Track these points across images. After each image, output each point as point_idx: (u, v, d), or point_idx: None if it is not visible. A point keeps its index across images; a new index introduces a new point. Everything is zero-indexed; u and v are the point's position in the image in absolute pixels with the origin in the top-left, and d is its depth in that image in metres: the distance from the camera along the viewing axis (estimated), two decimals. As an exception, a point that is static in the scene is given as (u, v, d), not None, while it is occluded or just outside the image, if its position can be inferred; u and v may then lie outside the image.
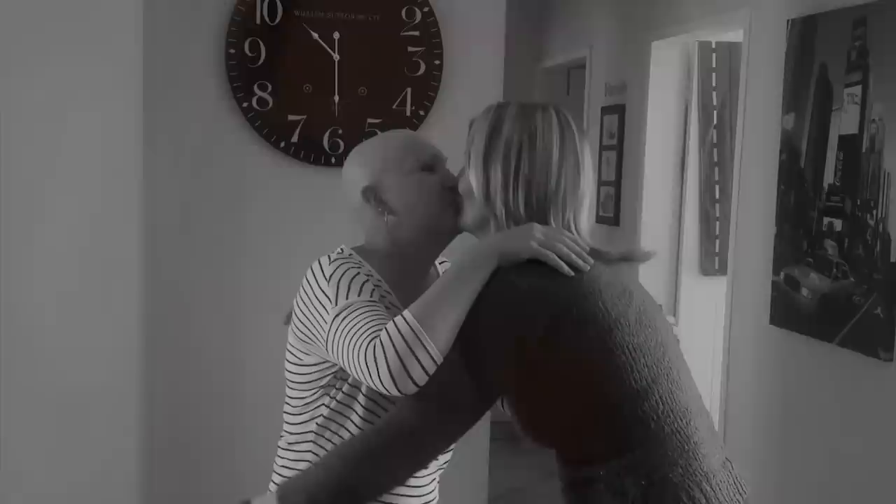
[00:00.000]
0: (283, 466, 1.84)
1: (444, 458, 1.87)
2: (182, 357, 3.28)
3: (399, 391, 1.53)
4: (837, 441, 2.99)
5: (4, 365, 2.81)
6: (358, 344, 1.56)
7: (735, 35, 4.08)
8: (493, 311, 1.56)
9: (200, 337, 3.30)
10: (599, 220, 5.21)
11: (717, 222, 4.46)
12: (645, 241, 4.62)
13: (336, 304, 1.64)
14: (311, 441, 1.79)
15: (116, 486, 2.97)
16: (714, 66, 4.43)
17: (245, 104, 3.23)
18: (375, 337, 1.54)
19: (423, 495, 1.84)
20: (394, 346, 1.52)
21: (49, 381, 2.88)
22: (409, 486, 1.80)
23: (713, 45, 4.42)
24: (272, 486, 1.84)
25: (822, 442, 3.07)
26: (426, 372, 1.52)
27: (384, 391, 1.55)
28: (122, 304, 2.96)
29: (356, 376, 1.60)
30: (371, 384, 1.56)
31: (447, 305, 1.55)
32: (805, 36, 3.15)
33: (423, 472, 1.82)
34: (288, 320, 1.89)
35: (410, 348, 1.51)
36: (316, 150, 3.29)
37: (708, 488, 1.57)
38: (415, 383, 1.52)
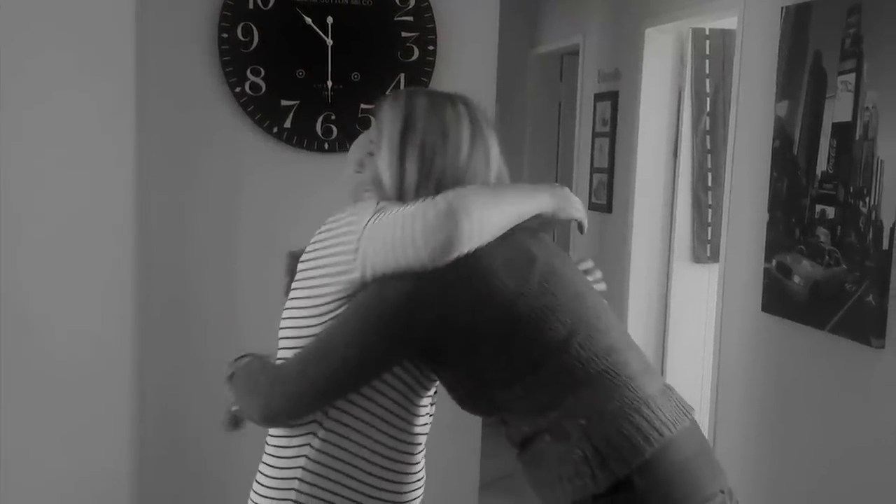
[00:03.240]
0: (274, 455, 1.78)
1: (427, 429, 1.87)
2: (176, 341, 3.28)
3: (431, 256, 1.56)
4: (829, 428, 3.00)
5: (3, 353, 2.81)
6: (395, 218, 1.59)
7: (729, 22, 4.07)
8: (413, 293, 1.61)
9: (195, 321, 3.29)
10: (592, 207, 5.21)
11: (710, 210, 4.46)
12: (637, 229, 4.63)
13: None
14: (314, 422, 1.74)
15: (110, 475, 2.97)
16: (708, 53, 4.42)
17: (238, 89, 3.22)
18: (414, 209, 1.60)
19: (418, 472, 1.83)
20: (438, 206, 1.57)
21: (43, 368, 2.88)
22: (406, 464, 1.78)
23: (707, 33, 4.41)
24: (257, 484, 1.79)
25: (813, 429, 3.08)
26: (457, 242, 1.56)
27: (416, 260, 1.57)
28: (116, 290, 2.95)
29: (386, 261, 1.60)
30: (402, 254, 1.58)
31: (496, 206, 1.63)
32: (799, 23, 3.15)
33: (418, 448, 1.81)
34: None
35: (454, 211, 1.56)
36: (309, 135, 3.29)
37: (648, 412, 1.63)
38: (449, 247, 1.56)
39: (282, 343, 1.79)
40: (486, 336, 1.64)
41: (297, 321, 1.74)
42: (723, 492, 1.67)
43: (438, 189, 1.69)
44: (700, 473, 1.65)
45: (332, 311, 1.68)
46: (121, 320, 2.97)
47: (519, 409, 1.68)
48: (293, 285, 1.76)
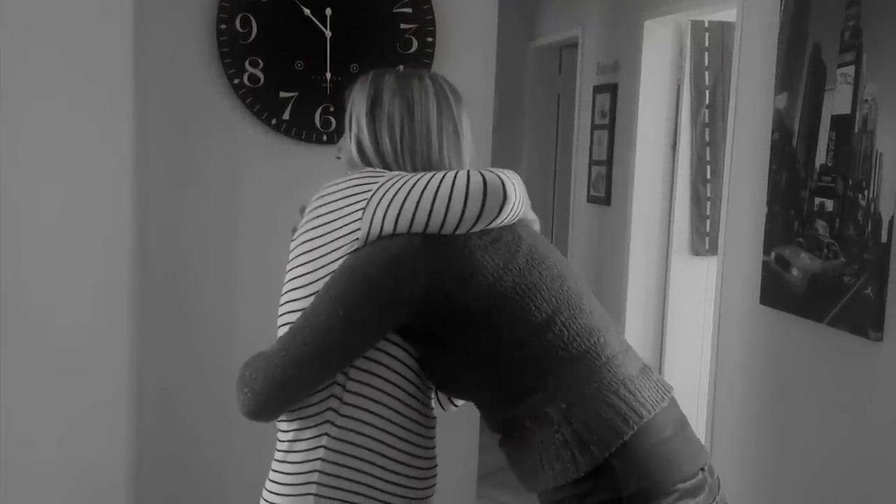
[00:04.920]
0: (287, 455, 1.74)
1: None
2: (175, 335, 3.27)
3: (471, 216, 1.62)
4: (827, 420, 3.00)
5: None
6: (424, 179, 1.65)
7: (728, 14, 4.07)
8: (400, 256, 1.63)
9: (194, 314, 3.29)
10: (591, 199, 5.21)
11: (709, 202, 4.46)
12: (636, 221, 4.63)
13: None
14: (330, 409, 1.71)
15: (108, 470, 2.97)
16: (707, 45, 4.42)
17: (236, 81, 3.22)
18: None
19: (434, 455, 1.82)
20: (487, 174, 1.65)
21: (41, 363, 2.88)
22: (426, 448, 1.78)
23: (706, 25, 4.41)
24: (272, 483, 1.74)
25: (811, 421, 3.08)
26: (503, 210, 1.65)
27: (452, 216, 1.61)
28: (114, 284, 2.95)
29: (404, 218, 1.62)
30: (426, 211, 1.62)
31: (525, 194, 1.77)
32: (798, 15, 3.14)
33: (433, 430, 1.80)
34: None
35: (502, 182, 1.65)
36: (307, 127, 3.28)
37: (626, 392, 1.64)
38: (492, 211, 1.64)
39: (282, 322, 1.74)
40: (472, 312, 1.64)
41: (299, 292, 1.70)
42: (703, 470, 1.67)
43: (414, 164, 1.74)
44: (679, 454, 1.65)
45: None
46: (119, 314, 2.96)
47: (501, 391, 1.68)
48: (288, 265, 1.74)
